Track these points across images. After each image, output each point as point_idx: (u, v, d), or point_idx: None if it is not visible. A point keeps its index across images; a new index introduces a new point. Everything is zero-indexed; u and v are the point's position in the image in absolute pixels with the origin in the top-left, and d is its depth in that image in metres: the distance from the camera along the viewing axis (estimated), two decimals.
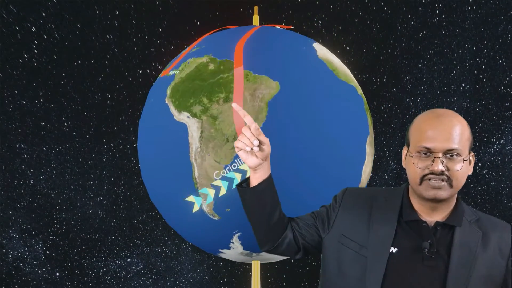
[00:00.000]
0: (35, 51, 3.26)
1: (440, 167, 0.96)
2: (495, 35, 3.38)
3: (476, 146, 3.51)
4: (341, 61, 2.14)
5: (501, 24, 3.36)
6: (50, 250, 3.46)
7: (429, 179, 0.98)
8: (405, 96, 3.52)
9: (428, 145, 0.97)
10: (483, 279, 1.02)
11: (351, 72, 2.17)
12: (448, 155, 0.97)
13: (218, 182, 1.71)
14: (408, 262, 1.01)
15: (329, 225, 1.13)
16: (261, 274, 2.21)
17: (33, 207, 3.42)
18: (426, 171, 0.98)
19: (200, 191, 1.75)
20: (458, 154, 0.97)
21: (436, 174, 0.97)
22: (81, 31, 3.32)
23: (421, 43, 3.44)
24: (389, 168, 3.63)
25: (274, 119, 1.70)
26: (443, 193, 0.98)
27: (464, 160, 0.98)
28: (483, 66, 3.43)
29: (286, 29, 2.25)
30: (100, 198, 3.51)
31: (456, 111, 1.02)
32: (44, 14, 3.23)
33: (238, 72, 1.73)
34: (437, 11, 3.40)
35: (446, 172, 0.97)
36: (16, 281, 3.41)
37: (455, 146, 0.97)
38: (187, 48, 2.12)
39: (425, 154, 0.98)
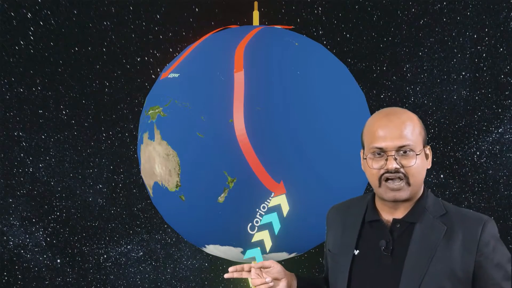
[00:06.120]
0: (31, 38, 3.22)
1: (394, 165, 0.96)
2: (497, 22, 3.35)
3: (475, 135, 3.51)
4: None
5: (502, 12, 3.33)
6: (50, 238, 3.49)
7: (387, 180, 0.98)
8: (405, 84, 3.51)
9: (380, 144, 0.98)
10: (442, 275, 0.97)
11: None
12: (401, 152, 0.97)
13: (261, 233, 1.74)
14: (368, 263, 1.02)
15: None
16: None
17: (33, 195, 3.44)
18: (382, 171, 0.98)
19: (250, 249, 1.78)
20: (411, 150, 0.97)
21: (392, 172, 0.97)
22: (77, 18, 3.27)
23: (421, 31, 3.41)
24: None
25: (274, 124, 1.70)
26: (402, 194, 0.98)
27: (417, 154, 0.98)
28: (484, 54, 3.40)
29: (287, 29, 2.21)
30: (99, 186, 3.53)
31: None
32: (39, 0, 3.18)
33: (239, 76, 1.70)
34: None
35: (402, 170, 0.97)
36: (17, 268, 3.45)
37: (406, 142, 0.96)
38: (186, 50, 2.07)
39: (378, 154, 0.98)
